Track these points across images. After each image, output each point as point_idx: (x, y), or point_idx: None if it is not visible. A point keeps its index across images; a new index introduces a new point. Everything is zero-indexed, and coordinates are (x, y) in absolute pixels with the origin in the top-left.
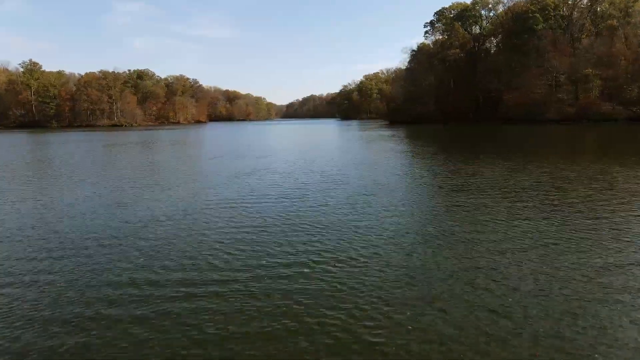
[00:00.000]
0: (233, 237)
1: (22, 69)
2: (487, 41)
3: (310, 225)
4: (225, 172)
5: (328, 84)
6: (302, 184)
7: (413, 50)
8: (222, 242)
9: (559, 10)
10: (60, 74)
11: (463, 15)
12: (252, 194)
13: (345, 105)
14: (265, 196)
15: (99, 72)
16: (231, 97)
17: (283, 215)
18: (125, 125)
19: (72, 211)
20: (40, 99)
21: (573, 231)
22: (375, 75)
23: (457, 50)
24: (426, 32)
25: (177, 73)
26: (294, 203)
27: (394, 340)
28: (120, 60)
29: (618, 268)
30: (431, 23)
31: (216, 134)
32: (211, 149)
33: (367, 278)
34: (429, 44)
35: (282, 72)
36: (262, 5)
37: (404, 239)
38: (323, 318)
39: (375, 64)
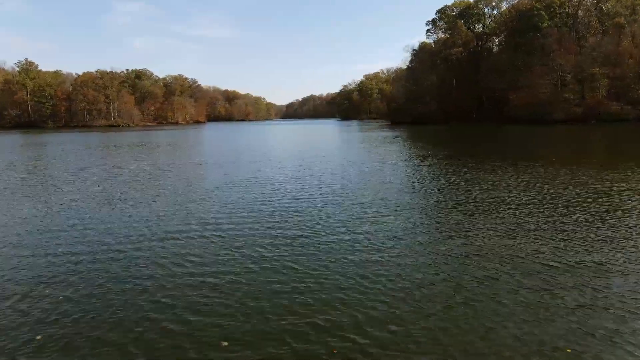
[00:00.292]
0: (183, 292)
1: (18, 69)
2: (489, 40)
3: (297, 268)
4: (205, 183)
5: (328, 84)
6: (294, 200)
7: (414, 50)
8: (167, 291)
9: (565, 8)
10: (57, 73)
11: (466, 13)
12: (230, 215)
13: (346, 106)
14: (246, 218)
15: (96, 71)
16: (230, 97)
17: (262, 248)
18: (122, 126)
19: None
20: (36, 99)
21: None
22: (376, 75)
23: (460, 48)
24: (428, 31)
25: (177, 73)
26: (281, 228)
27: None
28: (120, 60)
29: None
30: (433, 21)
31: (212, 135)
32: (201, 153)
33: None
34: (430, 43)
35: (281, 72)
36: (262, 5)
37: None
38: None
39: (375, 64)
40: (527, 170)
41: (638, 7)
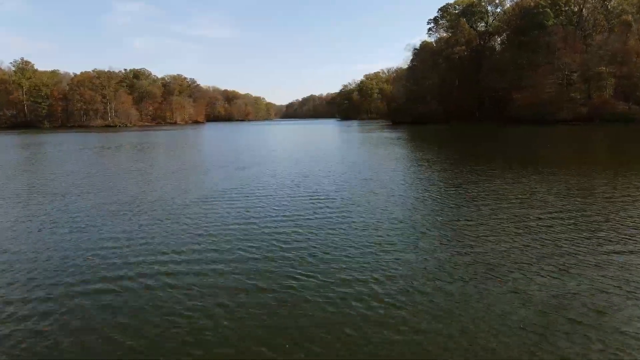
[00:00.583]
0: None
1: (13, 68)
2: (492, 39)
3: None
4: (183, 195)
5: (328, 84)
6: (286, 217)
7: (415, 49)
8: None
9: (570, 6)
10: (53, 73)
11: (468, 11)
12: (206, 236)
13: (346, 105)
14: (223, 244)
15: (93, 71)
16: (230, 97)
17: (241, 282)
18: (119, 126)
19: None
20: (32, 99)
21: None
22: (376, 75)
23: (463, 47)
24: (429, 30)
25: (176, 73)
26: (270, 253)
27: None
28: (120, 60)
29: None
30: (435, 20)
31: (208, 135)
32: (189, 155)
33: None
34: (432, 42)
35: (281, 72)
36: (262, 5)
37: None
38: None
39: (375, 64)
40: (549, 178)
41: None
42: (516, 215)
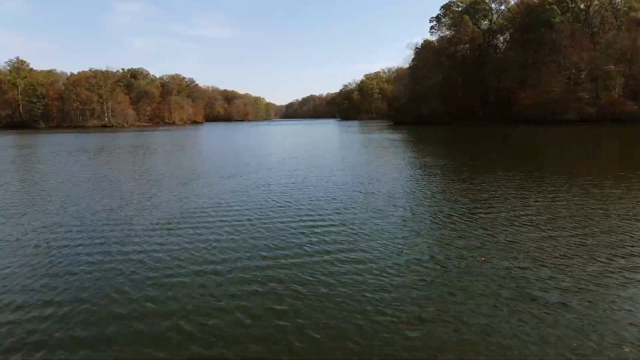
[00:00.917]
0: None
1: (8, 68)
2: (496, 37)
3: None
4: (148, 214)
5: (327, 84)
6: (270, 257)
7: (417, 47)
8: None
9: (577, 3)
10: (50, 72)
11: (471, 8)
12: (168, 279)
13: (346, 105)
14: (186, 288)
15: (89, 70)
16: (229, 97)
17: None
18: (116, 126)
19: None
20: (27, 99)
21: None
22: (377, 74)
23: (467, 45)
24: (432, 28)
25: (175, 73)
26: (252, 298)
27: None
28: (120, 60)
29: None
30: (437, 18)
31: (202, 136)
32: (173, 160)
33: None
34: (433, 41)
35: (281, 72)
36: (262, 5)
37: None
38: None
39: (375, 64)
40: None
41: None
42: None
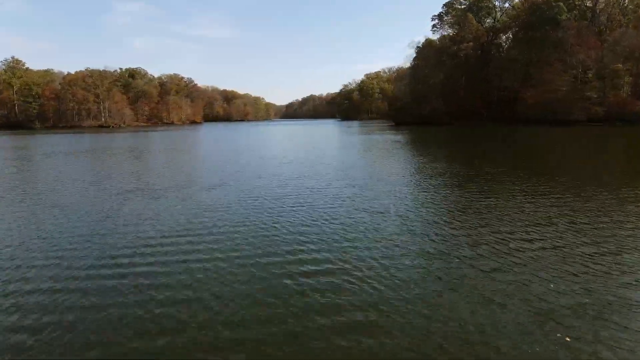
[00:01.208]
0: None
1: (4, 67)
2: (500, 35)
3: None
4: (101, 242)
5: (328, 84)
6: (246, 294)
7: (418, 47)
8: None
9: (583, 0)
10: (46, 72)
11: (475, 6)
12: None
13: (346, 105)
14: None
15: (85, 70)
16: (229, 97)
17: None
18: (113, 126)
19: None
20: (22, 99)
21: None
22: (377, 74)
23: (471, 43)
24: (434, 26)
25: (173, 72)
26: None
27: None
28: (120, 60)
29: None
30: (439, 16)
31: (198, 137)
32: (154, 165)
33: None
34: (435, 40)
35: (281, 72)
36: (262, 5)
37: None
38: None
39: (375, 64)
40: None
41: None
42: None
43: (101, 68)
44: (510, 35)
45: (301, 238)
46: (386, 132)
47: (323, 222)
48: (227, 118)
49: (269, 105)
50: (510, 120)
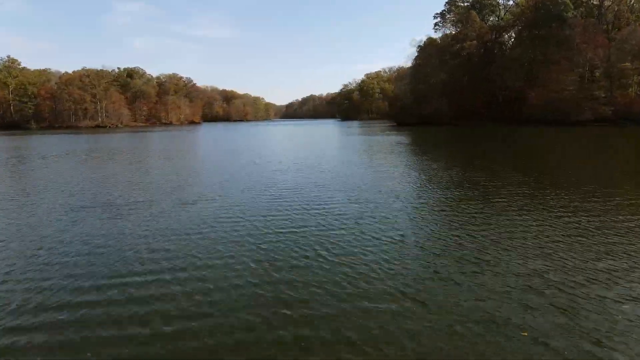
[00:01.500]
0: None
1: None
2: (504, 33)
3: None
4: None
5: (328, 84)
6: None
7: (419, 46)
8: None
9: None
10: (43, 72)
11: (478, 3)
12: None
13: (346, 105)
14: None
15: (82, 69)
16: (228, 97)
17: None
18: (110, 127)
19: None
20: (18, 99)
21: None
22: (377, 74)
23: (474, 42)
24: (436, 25)
25: (172, 72)
26: None
27: None
28: (120, 60)
29: None
30: (442, 14)
31: (194, 138)
32: (134, 171)
33: None
34: (436, 39)
35: (281, 72)
36: (262, 5)
37: None
38: None
39: (376, 64)
40: None
41: None
42: None
43: (102, 68)
44: (514, 34)
45: (290, 279)
46: (388, 133)
47: (323, 249)
48: (226, 118)
49: (268, 105)
50: (515, 120)
